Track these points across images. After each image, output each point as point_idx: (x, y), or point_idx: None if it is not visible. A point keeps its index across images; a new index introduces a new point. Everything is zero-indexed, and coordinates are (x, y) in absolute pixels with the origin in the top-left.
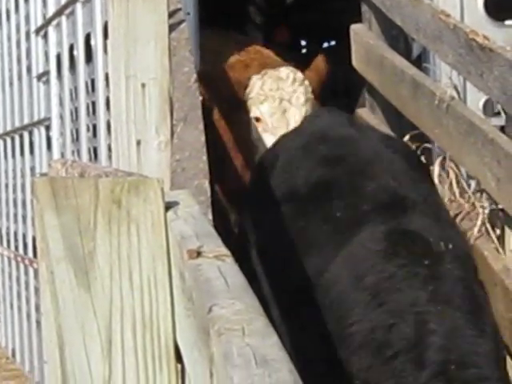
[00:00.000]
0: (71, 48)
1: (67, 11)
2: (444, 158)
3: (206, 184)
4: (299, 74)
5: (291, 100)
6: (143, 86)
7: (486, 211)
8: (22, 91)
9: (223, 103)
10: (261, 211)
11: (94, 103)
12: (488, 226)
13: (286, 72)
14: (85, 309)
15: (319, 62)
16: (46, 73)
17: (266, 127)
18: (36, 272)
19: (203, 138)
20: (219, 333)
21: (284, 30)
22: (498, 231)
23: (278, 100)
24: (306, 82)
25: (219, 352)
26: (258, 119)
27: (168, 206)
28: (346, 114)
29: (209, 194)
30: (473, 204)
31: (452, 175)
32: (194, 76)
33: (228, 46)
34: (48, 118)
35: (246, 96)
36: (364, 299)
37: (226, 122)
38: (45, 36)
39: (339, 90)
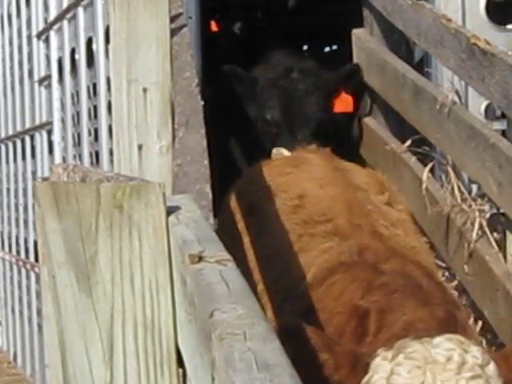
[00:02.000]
0: (73, 52)
1: (69, 15)
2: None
3: (208, 188)
4: (475, 353)
5: None
6: (145, 90)
7: (487, 215)
8: (24, 95)
9: None
10: None
11: (95, 107)
12: (488, 230)
13: (446, 348)
14: (86, 313)
15: None
16: (48, 77)
17: None
18: (38, 276)
19: (205, 143)
20: (221, 337)
21: (348, 99)
22: (500, 235)
23: None
24: (492, 369)
25: (221, 356)
26: None
27: (169, 211)
28: None
29: (210, 198)
30: (472, 208)
31: (453, 180)
32: (196, 81)
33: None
34: (50, 123)
35: None
36: None
37: None
38: (46, 40)
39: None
